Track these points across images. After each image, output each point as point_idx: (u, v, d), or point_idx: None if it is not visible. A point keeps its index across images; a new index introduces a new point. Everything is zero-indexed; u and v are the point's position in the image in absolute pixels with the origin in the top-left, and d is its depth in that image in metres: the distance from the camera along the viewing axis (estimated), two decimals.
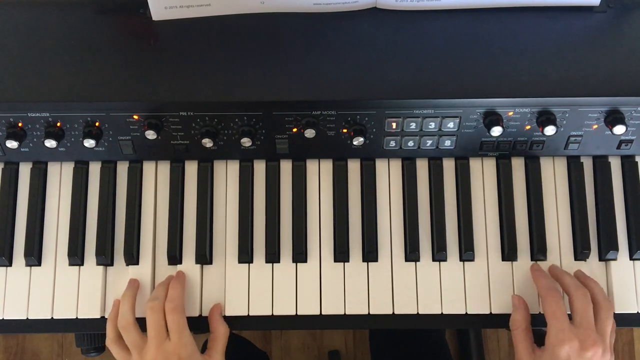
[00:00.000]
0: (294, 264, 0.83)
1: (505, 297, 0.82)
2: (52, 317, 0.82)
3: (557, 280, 0.79)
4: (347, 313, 0.81)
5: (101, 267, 0.83)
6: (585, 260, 0.83)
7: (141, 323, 0.78)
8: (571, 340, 0.71)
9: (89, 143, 0.78)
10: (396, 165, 0.85)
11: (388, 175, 0.85)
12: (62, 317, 0.82)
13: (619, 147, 0.83)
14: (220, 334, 0.80)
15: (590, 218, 0.84)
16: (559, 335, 0.72)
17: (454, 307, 0.82)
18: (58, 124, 0.78)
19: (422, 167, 0.85)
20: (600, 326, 0.74)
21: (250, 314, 0.82)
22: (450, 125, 0.79)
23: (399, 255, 0.83)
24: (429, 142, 0.82)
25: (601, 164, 0.85)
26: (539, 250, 0.82)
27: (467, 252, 0.82)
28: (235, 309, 0.82)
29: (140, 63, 0.80)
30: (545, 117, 0.77)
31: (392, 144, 0.82)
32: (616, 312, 0.81)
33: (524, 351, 0.76)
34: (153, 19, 0.82)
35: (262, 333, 1.63)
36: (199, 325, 0.82)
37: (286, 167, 0.85)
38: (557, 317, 0.73)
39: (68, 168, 0.85)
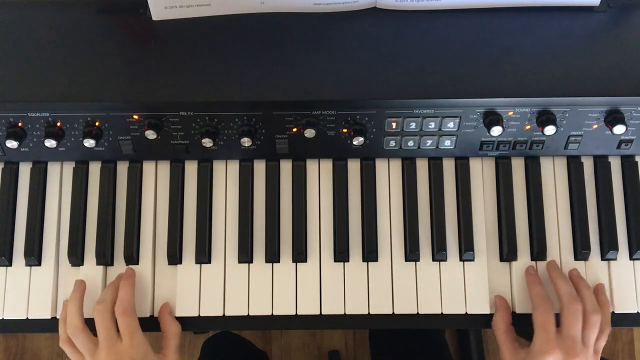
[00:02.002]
0: (294, 264, 0.83)
1: (505, 297, 0.82)
2: (52, 317, 0.82)
3: (552, 282, 0.80)
4: (347, 313, 0.81)
5: (101, 267, 0.83)
6: (585, 260, 0.83)
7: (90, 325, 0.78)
8: (555, 351, 0.73)
9: (89, 143, 0.78)
10: (396, 165, 0.85)
11: (388, 175, 0.85)
12: None
13: (619, 147, 0.83)
14: (171, 333, 0.80)
15: (590, 218, 0.84)
16: (544, 345, 0.74)
17: (454, 307, 0.82)
18: (58, 124, 0.78)
19: (422, 167, 0.85)
20: (585, 337, 0.75)
21: (250, 314, 0.82)
22: (450, 125, 0.79)
23: (399, 255, 0.83)
24: (429, 142, 0.82)
25: (601, 164, 0.85)
26: (539, 250, 0.82)
27: (467, 252, 0.82)
28: (236, 308, 0.81)
29: (140, 63, 0.80)
30: (545, 117, 0.77)
31: (392, 143, 0.82)
32: (616, 312, 0.82)
33: (507, 351, 0.79)
34: (153, 19, 0.82)
35: (262, 333, 1.63)
36: (198, 324, 0.82)
37: (286, 167, 0.85)
38: (545, 328, 0.75)
39: (68, 168, 0.85)
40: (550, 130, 0.77)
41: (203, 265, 0.83)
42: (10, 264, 0.83)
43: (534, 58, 0.79)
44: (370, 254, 0.82)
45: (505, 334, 0.79)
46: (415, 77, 0.77)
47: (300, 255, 0.82)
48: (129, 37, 0.82)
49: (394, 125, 0.79)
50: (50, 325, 0.82)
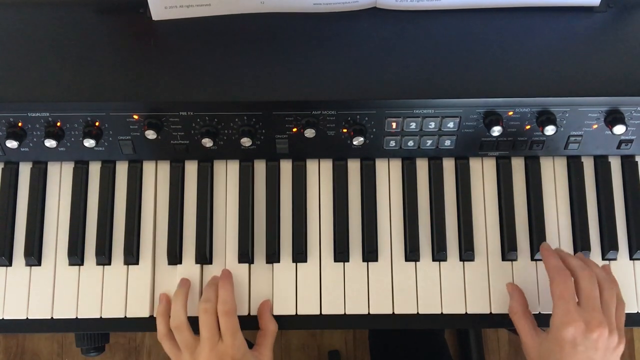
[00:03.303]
0: (294, 264, 0.83)
1: (505, 297, 0.82)
2: (52, 317, 0.82)
3: (562, 260, 0.78)
4: (347, 313, 0.81)
5: (101, 267, 0.83)
6: None
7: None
8: (576, 322, 0.70)
9: (89, 143, 0.78)
10: (396, 165, 0.85)
11: (388, 175, 0.85)
12: (62, 317, 0.82)
13: (619, 147, 0.83)
14: (270, 330, 0.80)
15: (590, 218, 0.84)
16: (565, 316, 0.71)
17: (454, 307, 0.82)
18: (58, 124, 0.78)
19: (422, 167, 0.85)
20: (605, 307, 0.73)
21: (251, 314, 0.82)
22: (450, 125, 0.79)
23: (399, 255, 0.83)
24: (429, 142, 0.82)
25: (601, 164, 0.85)
26: (539, 250, 0.82)
27: (467, 252, 0.82)
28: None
29: (140, 63, 0.80)
30: (545, 117, 0.77)
31: (392, 143, 0.82)
32: None
33: (527, 335, 0.76)
34: (153, 19, 0.82)
35: None
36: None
37: (286, 167, 0.85)
38: (564, 298, 0.72)
39: (68, 168, 0.85)
40: (550, 130, 0.77)
41: (204, 266, 0.83)
42: (10, 264, 0.83)
43: (534, 58, 0.79)
44: (370, 254, 0.82)
45: (524, 319, 0.77)
46: (415, 77, 0.77)
47: (300, 255, 0.82)
48: (129, 37, 0.82)
49: (394, 125, 0.79)
50: (50, 326, 0.82)
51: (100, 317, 0.82)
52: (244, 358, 0.76)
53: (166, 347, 0.79)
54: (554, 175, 0.85)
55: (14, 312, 0.82)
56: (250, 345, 0.81)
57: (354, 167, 0.85)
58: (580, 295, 0.73)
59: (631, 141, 0.82)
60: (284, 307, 0.81)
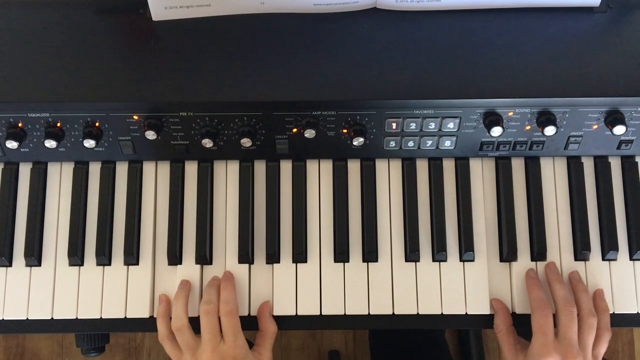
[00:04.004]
0: (294, 264, 0.83)
1: (505, 297, 0.82)
2: (52, 317, 0.82)
3: (549, 285, 0.80)
4: (347, 313, 0.81)
5: (101, 268, 0.83)
6: (585, 261, 0.83)
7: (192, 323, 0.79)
8: (552, 355, 0.74)
9: (89, 143, 0.78)
10: (396, 165, 0.85)
11: (388, 176, 0.85)
12: (62, 317, 0.82)
13: (619, 147, 0.83)
14: (269, 332, 0.81)
15: (590, 218, 0.84)
16: (542, 349, 0.75)
17: (454, 307, 0.82)
18: (58, 124, 0.78)
19: (422, 168, 0.85)
20: (582, 341, 0.76)
21: (251, 314, 0.82)
22: (450, 125, 0.79)
23: (399, 255, 0.83)
24: (429, 142, 0.82)
25: (601, 164, 0.85)
26: (539, 250, 0.82)
27: (467, 252, 0.82)
28: None
29: (140, 63, 0.80)
30: (545, 118, 0.77)
31: (392, 144, 0.82)
32: (616, 312, 0.82)
33: (508, 353, 0.80)
34: (153, 19, 0.82)
35: None
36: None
37: (286, 167, 0.85)
38: (543, 332, 0.76)
39: (68, 168, 0.85)
40: (550, 130, 0.77)
41: (204, 267, 0.83)
42: (10, 264, 0.83)
43: (534, 58, 0.79)
44: (370, 254, 0.82)
45: (506, 336, 0.80)
46: (415, 78, 0.77)
47: (300, 255, 0.82)
48: (129, 37, 0.82)
49: (394, 125, 0.79)
50: (50, 325, 0.82)
51: (100, 317, 0.82)
52: (246, 358, 0.76)
53: (167, 349, 0.80)
54: (554, 176, 0.85)
55: (14, 312, 0.82)
56: (251, 345, 0.81)
57: (354, 168, 0.85)
58: (558, 327, 0.77)
59: (631, 141, 0.82)
60: (284, 307, 0.81)
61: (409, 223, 0.83)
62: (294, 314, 0.81)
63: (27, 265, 0.83)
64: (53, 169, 0.85)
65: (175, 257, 0.82)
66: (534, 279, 0.81)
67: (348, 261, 0.83)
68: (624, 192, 0.85)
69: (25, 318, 0.82)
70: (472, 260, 0.83)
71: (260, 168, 0.85)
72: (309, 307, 0.81)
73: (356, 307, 0.81)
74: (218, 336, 0.77)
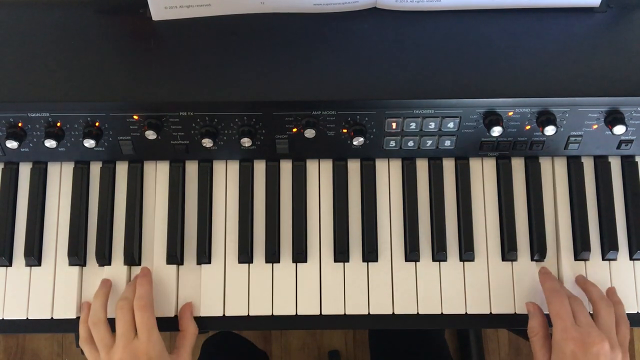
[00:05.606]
0: (294, 264, 0.83)
1: (505, 297, 0.82)
2: (52, 317, 0.82)
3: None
4: (347, 313, 0.81)
5: (101, 267, 0.83)
6: (585, 261, 0.83)
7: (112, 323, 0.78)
8: (574, 337, 0.73)
9: (89, 143, 0.78)
10: (396, 165, 0.85)
11: (388, 175, 0.85)
12: (62, 317, 0.82)
13: (619, 147, 0.83)
14: (189, 332, 0.80)
15: (590, 218, 0.84)
16: (563, 333, 0.74)
17: (454, 307, 0.82)
18: (58, 124, 0.78)
19: (422, 167, 0.85)
20: (603, 324, 0.75)
21: (251, 314, 0.82)
22: (450, 125, 0.79)
23: (399, 255, 0.83)
24: (429, 142, 0.82)
25: (601, 164, 0.85)
26: (538, 250, 0.82)
27: (467, 252, 0.82)
28: (235, 309, 0.81)
29: (140, 63, 0.80)
30: (545, 117, 0.77)
31: (392, 144, 0.82)
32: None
33: (543, 358, 0.77)
34: (153, 19, 0.82)
35: (262, 333, 1.63)
36: (198, 324, 0.81)
37: (286, 167, 0.85)
38: (561, 317, 0.75)
39: (68, 168, 0.85)
40: (550, 130, 0.77)
41: (203, 266, 0.83)
42: (10, 264, 0.83)
43: (534, 58, 0.79)
44: (370, 254, 0.82)
45: (542, 340, 0.77)
46: (415, 77, 0.77)
47: (300, 255, 0.82)
48: (129, 37, 0.82)
49: (394, 125, 0.79)
50: (50, 325, 0.82)
51: None
52: (161, 357, 0.75)
53: (86, 351, 0.79)
54: (553, 176, 0.85)
55: (14, 312, 0.82)
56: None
57: (354, 167, 0.85)
58: (575, 316, 0.76)
59: (631, 141, 0.82)
60: (284, 307, 0.81)
61: (409, 223, 0.83)
62: (294, 313, 0.81)
63: (27, 265, 0.83)
64: (53, 169, 0.85)
65: (175, 257, 0.82)
66: (545, 274, 0.81)
67: (348, 261, 0.83)
68: (624, 192, 0.85)
69: (25, 318, 0.82)
70: (472, 260, 0.83)
71: (260, 168, 0.85)
72: (309, 307, 0.82)
73: (356, 307, 0.81)
74: (131, 331, 0.75)
